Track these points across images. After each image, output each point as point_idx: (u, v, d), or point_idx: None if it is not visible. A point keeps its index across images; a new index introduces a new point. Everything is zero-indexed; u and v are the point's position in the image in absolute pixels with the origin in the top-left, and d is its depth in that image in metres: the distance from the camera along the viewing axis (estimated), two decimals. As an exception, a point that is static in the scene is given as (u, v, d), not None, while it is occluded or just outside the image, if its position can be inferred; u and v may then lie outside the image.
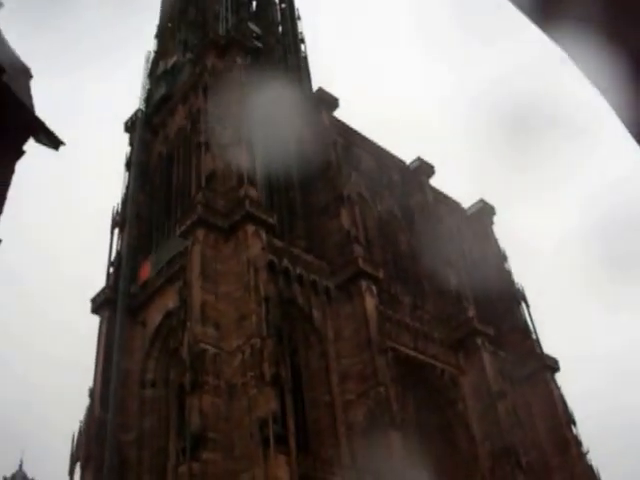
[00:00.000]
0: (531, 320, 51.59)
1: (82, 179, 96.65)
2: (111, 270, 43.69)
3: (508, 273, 54.19)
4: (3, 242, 10.50)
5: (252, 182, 40.00)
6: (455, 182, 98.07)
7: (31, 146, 10.64)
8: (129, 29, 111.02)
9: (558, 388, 48.41)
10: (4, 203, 10.27)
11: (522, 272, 56.35)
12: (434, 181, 55.34)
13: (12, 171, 10.45)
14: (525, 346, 49.72)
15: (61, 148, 10.98)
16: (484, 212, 58.10)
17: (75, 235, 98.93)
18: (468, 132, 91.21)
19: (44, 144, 10.77)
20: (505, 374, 46.10)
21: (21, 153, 10.52)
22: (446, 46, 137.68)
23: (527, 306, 52.08)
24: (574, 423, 46.40)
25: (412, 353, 41.97)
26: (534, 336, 50.67)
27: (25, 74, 11.31)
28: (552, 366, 49.44)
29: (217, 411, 31.59)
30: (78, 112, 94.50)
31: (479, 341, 44.66)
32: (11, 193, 10.37)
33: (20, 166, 10.55)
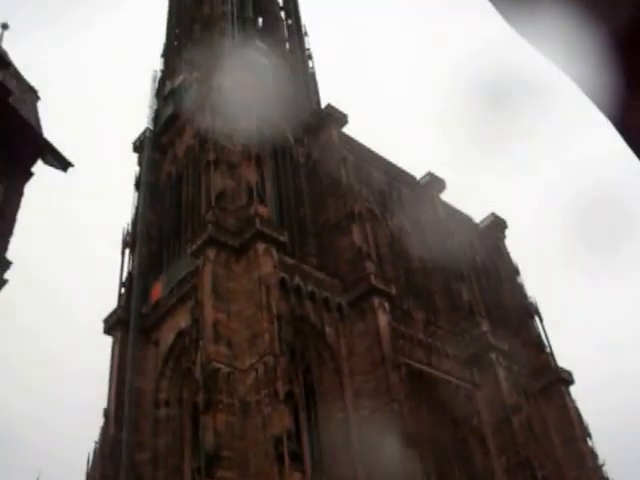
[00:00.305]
0: (545, 333, 51.45)
1: (91, 200, 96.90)
2: (122, 290, 43.74)
3: (521, 286, 54.09)
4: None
5: (262, 200, 40.03)
6: (465, 192, 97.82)
7: (39, 167, 10.63)
8: (135, 48, 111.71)
9: (573, 401, 48.25)
10: (14, 225, 10.26)
11: (535, 282, 56.06)
12: (445, 195, 55.33)
13: (21, 193, 10.43)
14: (539, 360, 49.57)
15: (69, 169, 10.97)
16: (496, 226, 58.01)
17: (85, 256, 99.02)
18: (470, 132, 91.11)
19: (53, 166, 10.74)
20: (519, 388, 45.89)
21: (29, 175, 10.49)
22: (447, 46, 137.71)
23: (540, 319, 51.91)
24: (589, 436, 46.17)
25: (426, 369, 41.80)
26: (548, 349, 50.49)
27: (32, 95, 11.30)
28: (566, 379, 49.26)
29: (231, 429, 31.50)
30: (85, 132, 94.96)
31: (493, 356, 44.44)
32: (20, 215, 10.36)
33: (28, 188, 10.53)
